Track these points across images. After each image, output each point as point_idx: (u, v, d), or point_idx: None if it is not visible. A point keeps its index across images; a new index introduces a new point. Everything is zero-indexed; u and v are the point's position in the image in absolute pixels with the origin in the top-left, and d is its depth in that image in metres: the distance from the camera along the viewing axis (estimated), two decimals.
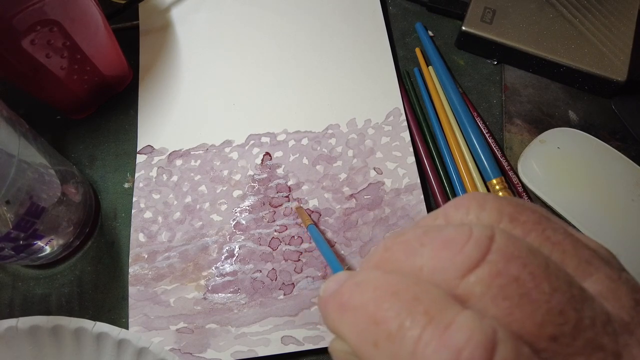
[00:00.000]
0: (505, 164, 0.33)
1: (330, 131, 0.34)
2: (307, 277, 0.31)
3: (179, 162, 0.34)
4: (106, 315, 0.30)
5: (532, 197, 0.32)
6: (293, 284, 0.30)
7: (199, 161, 0.34)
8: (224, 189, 0.33)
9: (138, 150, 0.34)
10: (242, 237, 0.32)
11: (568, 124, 0.35)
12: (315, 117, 0.35)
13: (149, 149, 0.34)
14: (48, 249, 0.29)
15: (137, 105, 0.35)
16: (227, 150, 0.34)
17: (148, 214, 0.32)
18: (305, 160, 0.34)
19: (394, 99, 0.35)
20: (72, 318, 0.27)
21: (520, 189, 0.33)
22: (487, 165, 0.32)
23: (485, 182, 0.33)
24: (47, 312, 0.30)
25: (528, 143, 0.34)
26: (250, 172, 0.33)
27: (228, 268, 0.31)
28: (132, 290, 0.30)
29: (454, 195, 0.33)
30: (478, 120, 0.35)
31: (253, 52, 0.37)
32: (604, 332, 0.11)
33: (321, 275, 0.30)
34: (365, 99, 0.35)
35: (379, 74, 0.36)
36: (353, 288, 0.13)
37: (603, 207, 0.30)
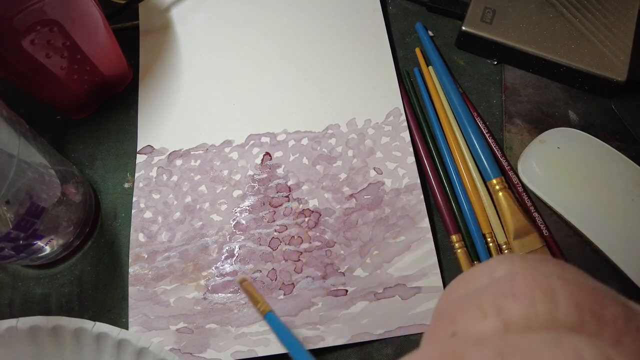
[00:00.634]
0: (505, 164, 0.33)
1: (330, 131, 0.34)
2: (307, 277, 0.31)
3: (179, 162, 0.34)
4: (106, 315, 0.30)
5: (532, 197, 0.32)
6: (293, 284, 0.30)
7: (199, 161, 0.34)
8: (224, 189, 0.33)
9: (138, 150, 0.34)
10: (242, 237, 0.32)
11: (568, 124, 0.35)
12: (315, 117, 0.35)
13: (149, 149, 0.34)
14: (48, 249, 0.29)
15: (137, 105, 0.35)
16: (227, 150, 0.34)
17: (148, 214, 0.32)
18: (305, 160, 0.34)
19: (394, 99, 0.35)
20: (71, 318, 0.27)
21: (520, 189, 0.33)
22: (487, 165, 0.32)
23: (485, 182, 0.33)
24: (47, 312, 0.30)
25: (528, 143, 0.34)
26: (250, 172, 0.33)
27: (228, 268, 0.31)
28: (132, 290, 0.30)
29: (454, 195, 0.33)
30: (478, 120, 0.35)
31: (253, 52, 0.37)
32: None
33: (321, 275, 0.31)
34: (365, 99, 0.35)
35: (379, 74, 0.36)
36: None
37: (603, 207, 0.30)
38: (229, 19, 0.38)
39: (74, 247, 0.31)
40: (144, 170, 0.33)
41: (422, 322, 0.29)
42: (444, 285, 0.30)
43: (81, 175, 0.32)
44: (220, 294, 0.30)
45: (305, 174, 0.33)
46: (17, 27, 0.25)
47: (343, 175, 0.33)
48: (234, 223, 0.32)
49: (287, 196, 0.33)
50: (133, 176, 0.34)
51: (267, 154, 0.34)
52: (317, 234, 0.32)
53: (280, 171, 0.33)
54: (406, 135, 0.34)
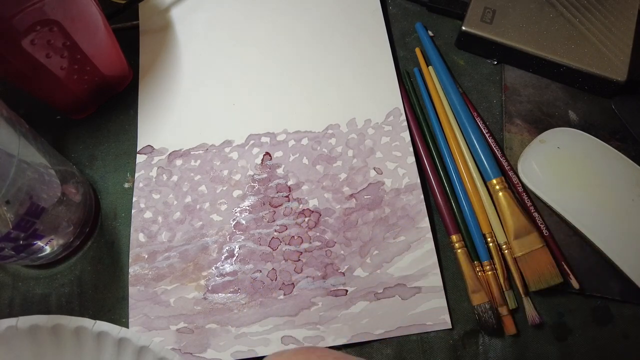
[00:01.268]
0: (505, 164, 0.33)
1: (330, 131, 0.34)
2: (307, 277, 0.31)
3: (179, 162, 0.34)
4: (106, 315, 0.30)
5: (532, 197, 0.33)
6: (293, 284, 0.30)
7: (199, 161, 0.34)
8: (224, 189, 0.33)
9: (138, 150, 0.34)
10: (242, 237, 0.32)
11: (568, 124, 0.35)
12: (315, 117, 0.35)
13: (149, 149, 0.34)
14: (48, 249, 0.29)
15: (137, 105, 0.35)
16: (227, 150, 0.34)
17: (148, 214, 0.32)
18: (305, 160, 0.34)
19: (394, 99, 0.35)
20: (72, 317, 0.27)
21: (520, 189, 0.33)
22: (487, 165, 0.32)
23: (485, 182, 0.33)
24: (47, 312, 0.30)
25: (528, 143, 0.34)
26: (250, 172, 0.33)
27: (228, 268, 0.31)
28: (132, 290, 0.30)
29: (454, 195, 0.33)
30: (478, 120, 0.35)
31: (253, 52, 0.37)
32: None
33: (321, 275, 0.31)
34: (365, 99, 0.35)
35: (379, 74, 0.36)
36: None
37: (603, 207, 0.30)
38: (229, 19, 0.38)
39: (74, 247, 0.31)
40: (144, 170, 0.33)
41: (422, 322, 0.29)
42: (444, 285, 0.30)
43: (81, 175, 0.32)
44: (220, 294, 0.30)
45: (305, 174, 0.33)
46: (17, 27, 0.25)
47: (343, 175, 0.33)
48: (234, 223, 0.32)
49: (287, 196, 0.33)
50: (133, 176, 0.34)
51: (267, 154, 0.34)
52: (317, 234, 0.32)
53: (280, 171, 0.33)
54: (406, 135, 0.34)
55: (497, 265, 0.31)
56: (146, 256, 0.31)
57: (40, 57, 0.28)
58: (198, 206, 0.32)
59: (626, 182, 0.31)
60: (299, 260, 0.31)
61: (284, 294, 0.30)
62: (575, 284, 0.30)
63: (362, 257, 0.31)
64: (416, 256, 0.31)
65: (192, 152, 0.34)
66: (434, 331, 0.30)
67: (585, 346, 0.30)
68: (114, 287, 0.31)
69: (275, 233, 0.32)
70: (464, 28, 0.36)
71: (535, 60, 0.35)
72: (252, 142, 0.34)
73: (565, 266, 0.30)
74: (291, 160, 0.34)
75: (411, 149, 0.34)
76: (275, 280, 0.31)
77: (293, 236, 0.32)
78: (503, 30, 0.35)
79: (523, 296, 0.30)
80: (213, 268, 0.31)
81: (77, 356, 0.27)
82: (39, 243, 0.28)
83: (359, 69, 0.36)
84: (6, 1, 0.24)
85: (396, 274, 0.30)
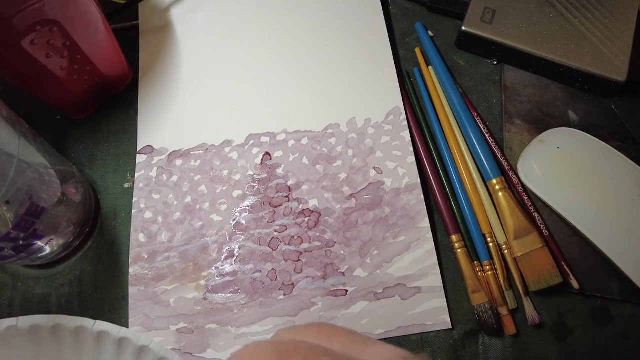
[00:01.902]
0: (505, 164, 0.33)
1: (330, 131, 0.34)
2: (307, 277, 0.31)
3: (179, 162, 0.34)
4: (106, 315, 0.30)
5: (532, 197, 0.33)
6: (293, 284, 0.30)
7: (198, 161, 0.34)
8: (224, 189, 0.33)
9: (138, 150, 0.34)
10: (242, 237, 0.32)
11: (568, 124, 0.35)
12: (315, 117, 0.35)
13: (149, 149, 0.34)
14: (48, 249, 0.29)
15: (137, 105, 0.35)
16: (227, 150, 0.34)
17: (148, 214, 0.32)
18: (305, 160, 0.34)
19: (394, 98, 0.35)
20: (72, 317, 0.27)
21: (520, 189, 0.33)
22: (487, 165, 0.32)
23: (485, 182, 0.33)
24: (47, 312, 0.30)
25: (528, 143, 0.34)
26: (250, 172, 0.33)
27: (228, 268, 0.31)
28: (132, 290, 0.30)
29: (454, 195, 0.33)
30: (478, 120, 0.35)
31: (253, 51, 0.37)
32: None
33: (321, 275, 0.31)
34: (365, 99, 0.35)
35: (379, 74, 0.36)
36: None
37: (603, 207, 0.30)
38: (229, 19, 0.38)
39: (74, 247, 0.31)
40: (144, 170, 0.33)
41: (422, 322, 0.29)
42: (444, 285, 0.30)
43: (81, 175, 0.32)
44: (220, 294, 0.30)
45: (305, 174, 0.33)
46: (17, 27, 0.25)
47: (343, 175, 0.33)
48: (234, 223, 0.32)
49: (287, 196, 0.33)
50: (133, 176, 0.34)
51: (267, 153, 0.34)
52: (317, 234, 0.32)
53: (280, 171, 0.33)
54: (406, 134, 0.34)
55: (497, 266, 0.31)
56: (146, 256, 0.31)
57: (40, 57, 0.28)
58: (198, 206, 0.32)
59: (626, 182, 0.31)
60: (299, 260, 0.31)
61: (284, 294, 0.30)
62: (575, 284, 0.30)
63: (362, 257, 0.31)
64: (416, 256, 0.31)
65: (192, 152, 0.34)
66: (434, 331, 0.30)
67: (585, 346, 0.30)
68: (114, 287, 0.31)
69: (275, 233, 0.32)
70: (464, 28, 0.36)
71: (535, 60, 0.35)
72: (252, 142, 0.34)
73: (565, 266, 0.30)
74: (291, 160, 0.34)
75: (411, 148, 0.34)
76: (275, 280, 0.31)
77: (293, 236, 0.32)
78: (503, 30, 0.35)
79: (523, 296, 0.30)
80: (213, 268, 0.31)
81: (77, 356, 0.27)
82: (39, 243, 0.28)
83: (359, 68, 0.36)
84: (6, 1, 0.24)
85: (396, 274, 0.30)
